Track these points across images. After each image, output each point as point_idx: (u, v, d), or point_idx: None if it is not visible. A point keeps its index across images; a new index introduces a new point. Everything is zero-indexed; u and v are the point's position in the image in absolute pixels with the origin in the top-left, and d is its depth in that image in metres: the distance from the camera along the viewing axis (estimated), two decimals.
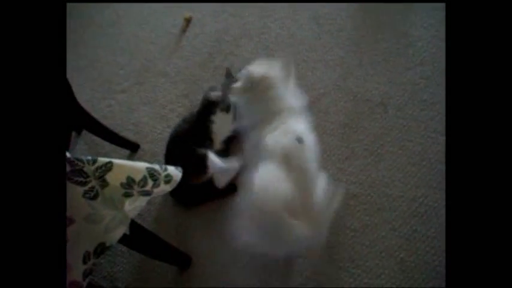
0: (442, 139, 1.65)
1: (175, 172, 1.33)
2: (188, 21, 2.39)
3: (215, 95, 1.83)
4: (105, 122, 1.92)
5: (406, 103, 1.77)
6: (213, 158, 1.70)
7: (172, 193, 1.72)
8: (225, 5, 2.38)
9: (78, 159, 1.10)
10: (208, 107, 1.81)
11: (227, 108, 1.82)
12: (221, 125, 1.81)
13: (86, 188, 1.11)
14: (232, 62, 2.11)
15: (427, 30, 1.93)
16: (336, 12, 2.14)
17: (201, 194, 1.75)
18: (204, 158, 1.69)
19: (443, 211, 1.52)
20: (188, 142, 1.74)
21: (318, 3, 2.20)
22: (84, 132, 2.07)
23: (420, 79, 1.81)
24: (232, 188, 1.75)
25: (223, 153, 1.83)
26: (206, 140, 1.77)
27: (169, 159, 1.76)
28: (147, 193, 1.24)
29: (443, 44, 1.85)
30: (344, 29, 2.09)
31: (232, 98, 1.67)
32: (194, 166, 1.67)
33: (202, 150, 1.71)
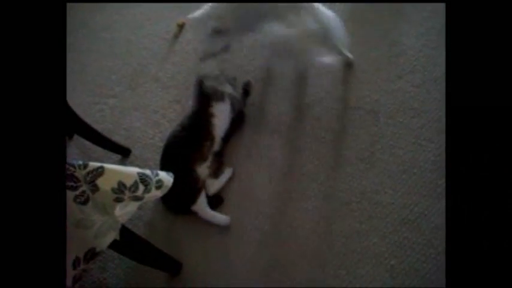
0: (432, 147, 1.67)
1: (166, 178, 1.33)
2: (181, 27, 2.39)
3: (209, 85, 1.87)
4: (97, 127, 1.92)
5: (397, 111, 1.79)
6: (202, 202, 1.71)
7: (164, 200, 1.73)
8: None
9: (69, 164, 1.10)
10: (204, 101, 1.84)
11: (222, 97, 1.85)
12: (221, 116, 1.83)
13: (77, 192, 1.10)
14: (224, 68, 2.11)
15: (418, 39, 1.94)
16: None
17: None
18: (196, 192, 1.71)
19: (433, 218, 1.52)
20: (185, 156, 1.75)
21: None
22: (76, 136, 2.06)
23: (411, 87, 1.83)
24: (219, 200, 1.76)
25: (218, 157, 1.83)
26: (207, 141, 1.78)
27: (165, 167, 1.76)
28: (138, 198, 1.24)
29: (433, 53, 1.87)
30: None
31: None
32: (184, 192, 1.69)
33: (198, 176, 1.73)
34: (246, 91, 1.98)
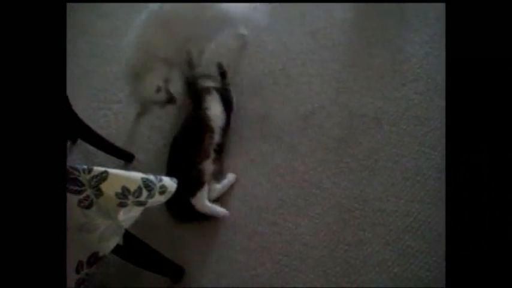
0: (436, 154, 1.66)
1: (170, 183, 1.33)
2: None
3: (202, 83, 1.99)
4: (101, 132, 1.92)
5: (400, 118, 1.79)
6: (202, 196, 1.72)
7: (169, 207, 1.73)
8: None
9: (73, 168, 1.10)
10: (198, 98, 1.93)
11: (208, 91, 1.93)
12: (214, 107, 1.89)
13: (81, 197, 1.10)
14: (227, 75, 2.12)
15: (422, 47, 1.95)
16: (331, 27, 2.17)
17: (194, 212, 1.75)
18: (199, 184, 1.72)
19: (436, 226, 1.52)
20: (189, 153, 1.78)
21: (313, 17, 2.23)
22: (79, 141, 2.06)
23: (414, 95, 1.83)
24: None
25: (219, 155, 1.85)
26: (207, 133, 1.82)
27: (171, 168, 1.80)
28: (141, 203, 1.24)
29: (437, 61, 1.88)
30: (339, 44, 2.11)
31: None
32: (186, 184, 1.68)
33: (203, 170, 1.75)
34: (223, 73, 2.06)
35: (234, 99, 2.00)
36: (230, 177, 1.81)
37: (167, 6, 1.86)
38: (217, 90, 1.97)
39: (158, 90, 1.90)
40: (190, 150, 1.79)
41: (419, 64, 1.91)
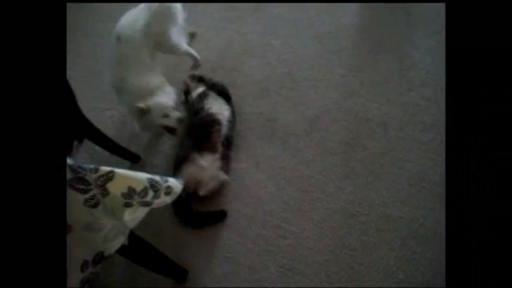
0: (442, 160, 1.66)
1: (175, 184, 1.33)
2: (192, 36, 2.40)
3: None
4: (107, 133, 1.92)
5: (406, 124, 1.79)
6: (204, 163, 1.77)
7: (176, 212, 1.74)
8: (228, 21, 2.41)
9: (80, 167, 1.10)
10: (200, 103, 1.97)
11: (206, 94, 1.99)
12: (216, 103, 1.95)
13: (87, 196, 1.10)
14: (234, 78, 2.13)
15: (428, 52, 1.95)
16: (338, 32, 2.17)
17: (201, 219, 1.78)
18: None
19: (442, 233, 1.51)
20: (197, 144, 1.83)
21: (320, 22, 2.23)
22: (86, 141, 2.06)
23: (421, 100, 1.83)
24: (222, 215, 1.77)
25: (227, 147, 1.87)
26: (214, 126, 1.86)
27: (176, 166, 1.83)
28: (147, 204, 1.24)
29: (444, 66, 1.87)
30: (346, 48, 2.11)
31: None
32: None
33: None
34: (199, 78, 2.10)
35: (228, 88, 2.04)
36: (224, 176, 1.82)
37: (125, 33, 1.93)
38: (209, 88, 2.02)
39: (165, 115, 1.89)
40: (198, 143, 1.81)
41: (426, 70, 1.91)
